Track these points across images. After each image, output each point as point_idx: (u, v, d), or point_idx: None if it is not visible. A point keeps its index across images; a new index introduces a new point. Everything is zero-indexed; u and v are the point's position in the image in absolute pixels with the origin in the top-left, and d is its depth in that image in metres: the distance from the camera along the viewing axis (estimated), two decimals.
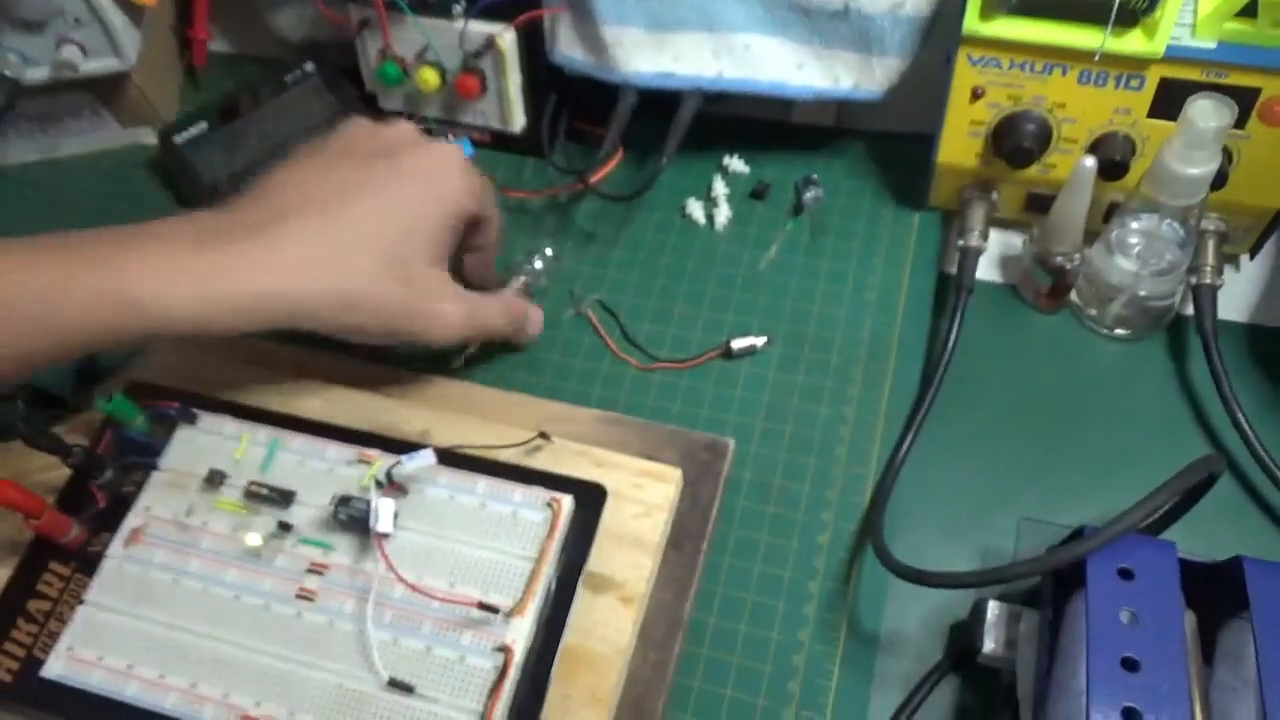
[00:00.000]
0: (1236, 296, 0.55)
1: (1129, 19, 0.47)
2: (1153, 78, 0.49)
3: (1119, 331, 0.54)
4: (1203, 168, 0.46)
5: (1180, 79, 0.48)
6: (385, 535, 0.45)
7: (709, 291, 0.59)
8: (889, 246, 0.59)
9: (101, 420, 0.50)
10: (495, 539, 0.45)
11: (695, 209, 0.61)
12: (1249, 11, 0.46)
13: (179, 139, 0.66)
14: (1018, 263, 0.57)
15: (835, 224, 0.60)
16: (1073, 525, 0.47)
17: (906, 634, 0.47)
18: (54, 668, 0.44)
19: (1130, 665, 0.34)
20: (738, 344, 0.56)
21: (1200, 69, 0.48)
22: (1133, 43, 0.48)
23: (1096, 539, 0.36)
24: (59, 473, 0.49)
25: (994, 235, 0.56)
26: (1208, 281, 0.52)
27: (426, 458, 0.46)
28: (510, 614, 0.43)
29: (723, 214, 0.61)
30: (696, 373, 0.56)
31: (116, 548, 0.47)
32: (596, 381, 0.56)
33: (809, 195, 0.60)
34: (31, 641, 0.45)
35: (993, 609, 0.44)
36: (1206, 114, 0.45)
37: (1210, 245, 0.52)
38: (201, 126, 0.66)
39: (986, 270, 0.57)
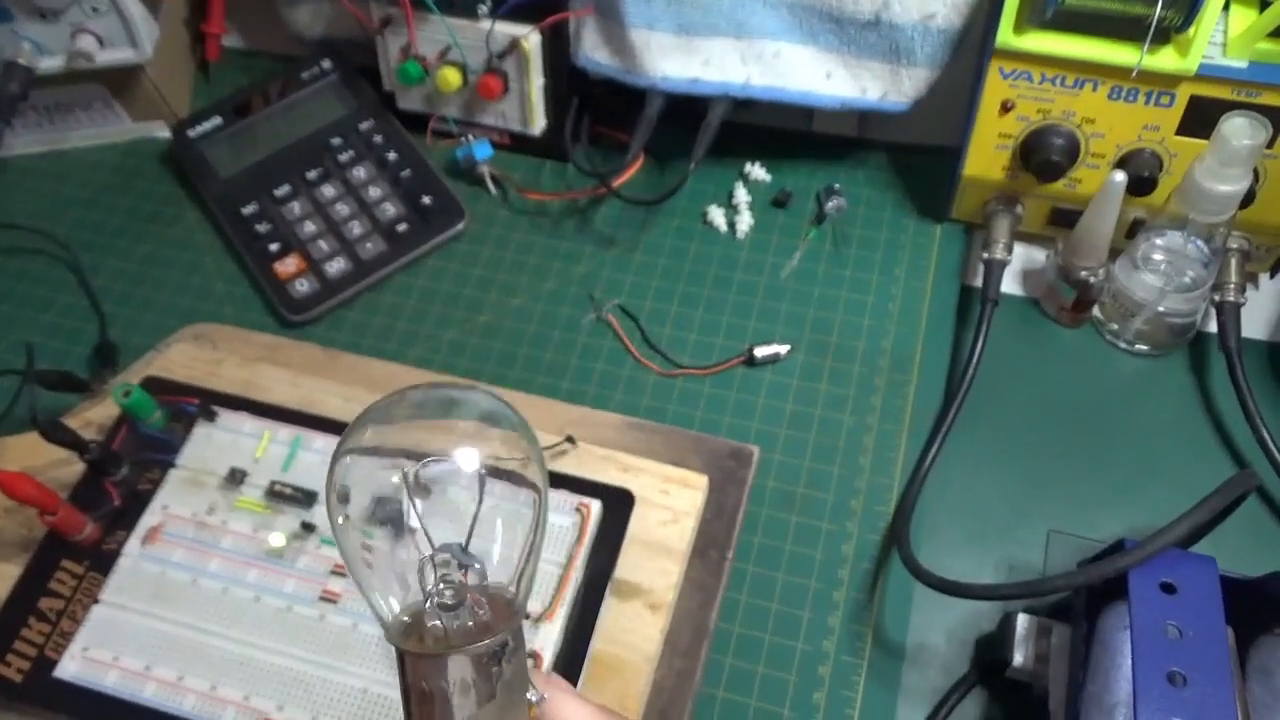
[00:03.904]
0: (1257, 314, 0.55)
1: (1162, 36, 0.48)
2: (1183, 95, 0.49)
3: (1140, 347, 0.55)
4: (1234, 185, 0.46)
5: (1211, 97, 0.48)
6: None
7: (731, 298, 0.58)
8: (911, 257, 0.59)
9: (117, 415, 0.49)
10: None
11: (717, 216, 0.61)
12: None
13: (193, 133, 0.65)
14: (1040, 276, 0.57)
15: (857, 234, 0.60)
16: (1099, 539, 0.47)
17: (932, 646, 0.47)
18: (68, 668, 0.43)
19: (1176, 680, 0.34)
20: (760, 351, 0.55)
21: (1231, 88, 0.48)
22: (1165, 60, 0.48)
23: (1140, 552, 0.36)
24: (72, 468, 0.48)
25: (1016, 249, 0.56)
26: (1232, 299, 0.52)
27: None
28: (539, 620, 0.43)
29: (744, 221, 0.61)
30: (719, 379, 0.55)
31: (133, 546, 0.46)
32: (618, 386, 0.55)
33: (831, 204, 0.60)
34: (43, 641, 0.44)
35: (1022, 622, 0.44)
36: (1241, 132, 0.45)
37: (1234, 263, 0.52)
38: (215, 121, 0.65)
39: (1008, 283, 0.57)
